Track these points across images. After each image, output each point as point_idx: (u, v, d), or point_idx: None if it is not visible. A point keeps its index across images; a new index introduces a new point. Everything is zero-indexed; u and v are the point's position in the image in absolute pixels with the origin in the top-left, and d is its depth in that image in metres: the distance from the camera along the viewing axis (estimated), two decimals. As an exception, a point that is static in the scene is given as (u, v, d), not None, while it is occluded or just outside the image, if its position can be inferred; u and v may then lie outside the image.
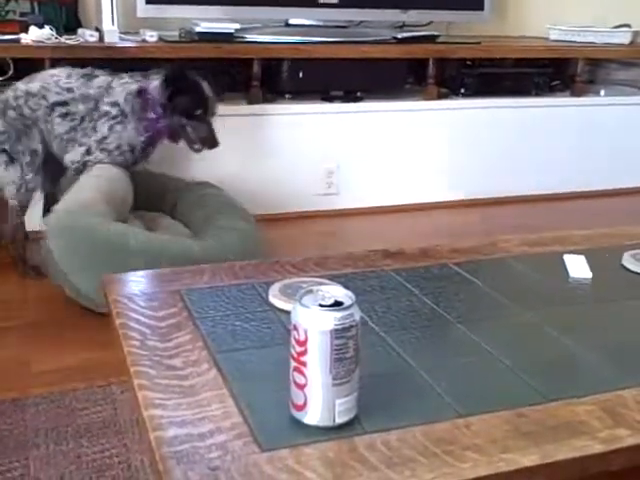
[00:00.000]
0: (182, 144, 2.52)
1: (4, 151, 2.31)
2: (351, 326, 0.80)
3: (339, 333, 0.79)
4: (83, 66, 2.70)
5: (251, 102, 3.02)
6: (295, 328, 0.81)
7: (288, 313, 1.08)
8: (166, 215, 2.54)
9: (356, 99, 3.18)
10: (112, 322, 1.09)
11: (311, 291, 0.83)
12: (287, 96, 3.15)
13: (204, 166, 2.82)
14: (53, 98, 2.35)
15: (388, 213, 3.19)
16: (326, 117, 3.10)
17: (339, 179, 3.15)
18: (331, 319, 0.79)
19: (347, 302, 0.81)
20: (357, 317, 0.81)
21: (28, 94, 2.34)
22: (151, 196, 2.54)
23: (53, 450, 1.57)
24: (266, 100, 3.05)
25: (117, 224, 2.18)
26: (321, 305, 0.80)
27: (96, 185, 2.32)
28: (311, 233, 2.96)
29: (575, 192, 3.48)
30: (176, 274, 1.24)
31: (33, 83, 2.37)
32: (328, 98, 3.17)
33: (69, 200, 2.22)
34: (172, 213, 2.56)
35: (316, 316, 0.80)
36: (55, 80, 2.39)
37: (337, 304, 0.81)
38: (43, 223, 2.20)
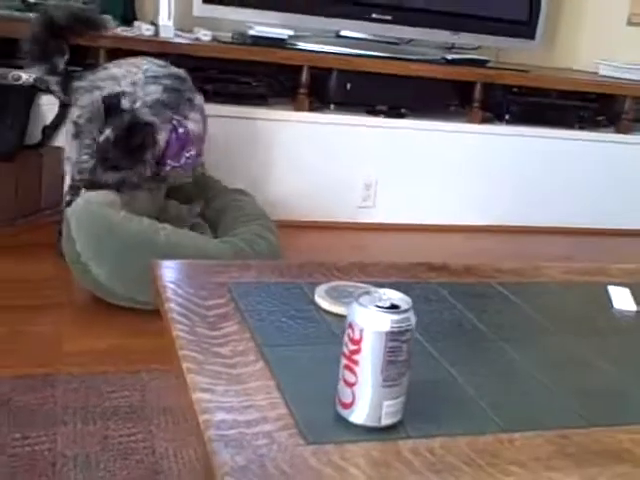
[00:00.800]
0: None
1: (76, 123, 2.30)
2: (406, 330, 0.81)
3: (394, 335, 0.80)
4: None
5: (297, 109, 3.04)
6: (350, 327, 0.82)
7: (333, 314, 1.11)
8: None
9: (400, 115, 3.20)
10: (160, 307, 1.10)
11: (368, 292, 0.84)
12: (332, 106, 3.17)
13: (243, 169, 2.85)
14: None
15: (421, 231, 3.20)
16: (369, 130, 3.12)
17: (376, 193, 3.17)
18: (388, 321, 0.80)
19: (404, 306, 0.82)
20: (413, 322, 0.82)
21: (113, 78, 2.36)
22: (187, 191, 2.56)
23: (80, 429, 1.59)
24: (312, 109, 3.07)
25: (145, 219, 2.20)
26: (378, 306, 0.81)
27: None
28: (343, 244, 2.97)
29: (611, 229, 3.47)
30: (223, 267, 1.25)
31: (119, 68, 2.39)
32: (372, 112, 3.18)
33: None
34: (202, 213, 2.58)
35: (373, 316, 0.80)
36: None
37: (393, 307, 0.82)
38: (68, 210, 2.22)
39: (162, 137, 2.26)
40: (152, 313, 2.09)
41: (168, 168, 2.31)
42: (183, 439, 1.62)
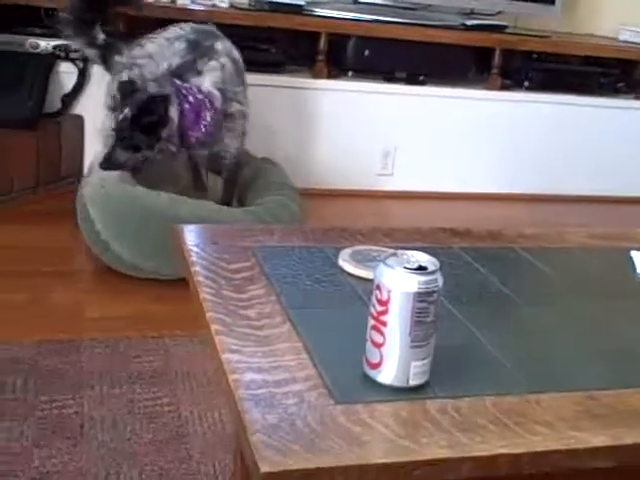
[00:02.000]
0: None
1: (114, 97, 2.29)
2: (434, 291, 0.82)
3: (422, 296, 0.81)
4: (153, 26, 2.74)
5: (315, 76, 3.03)
6: (378, 288, 0.83)
7: (357, 278, 1.11)
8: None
9: (419, 82, 3.18)
10: (186, 270, 1.11)
11: (395, 254, 0.85)
12: (350, 73, 3.15)
13: (261, 137, 2.84)
14: None
15: (440, 199, 3.20)
16: (388, 97, 3.11)
17: (395, 161, 3.16)
18: (415, 282, 0.81)
19: (431, 267, 0.82)
20: (440, 283, 0.82)
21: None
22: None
23: (107, 392, 1.62)
24: (330, 76, 3.06)
25: (162, 193, 2.21)
26: (405, 267, 0.82)
27: None
28: (363, 212, 2.97)
29: (634, 196, 3.44)
30: (247, 231, 1.26)
31: (153, 44, 2.36)
32: (391, 79, 3.16)
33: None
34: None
35: (400, 277, 0.81)
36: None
37: (420, 268, 0.82)
38: (84, 193, 2.20)
39: (173, 110, 2.20)
40: (173, 281, 2.13)
41: (193, 140, 2.26)
42: (207, 402, 1.65)
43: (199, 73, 2.27)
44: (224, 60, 2.32)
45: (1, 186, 2.58)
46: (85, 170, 2.40)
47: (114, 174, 2.21)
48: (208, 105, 2.23)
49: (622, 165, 3.43)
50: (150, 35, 2.37)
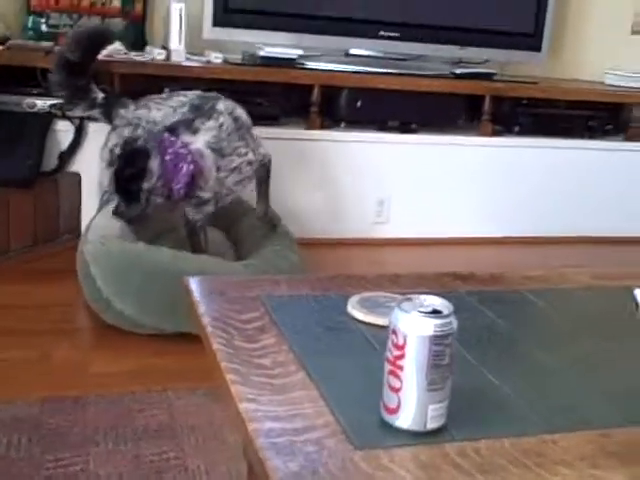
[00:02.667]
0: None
1: (111, 152, 2.26)
2: (449, 334, 0.82)
3: (438, 339, 0.82)
4: (148, 84, 2.79)
5: (309, 127, 3.07)
6: (394, 332, 0.84)
7: (367, 324, 1.12)
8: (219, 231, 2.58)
9: (411, 131, 3.22)
10: (196, 321, 1.11)
11: (410, 298, 0.86)
12: (343, 124, 3.20)
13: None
14: None
15: (436, 245, 3.21)
16: (381, 147, 3.15)
17: (390, 208, 3.19)
18: (431, 325, 0.81)
19: (446, 310, 0.83)
20: (455, 325, 0.83)
21: None
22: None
23: (112, 449, 1.60)
24: (323, 127, 3.10)
25: (164, 248, 2.22)
26: (420, 311, 0.83)
27: None
28: (360, 260, 2.99)
29: (624, 237, 3.47)
30: (255, 281, 1.27)
31: (159, 110, 2.36)
32: (384, 128, 3.21)
33: (104, 224, 2.25)
34: (227, 231, 2.60)
35: (416, 321, 0.82)
36: None
37: (435, 312, 0.83)
38: (84, 250, 2.21)
39: (155, 163, 2.17)
40: (174, 335, 2.13)
41: (175, 192, 2.21)
42: (214, 456, 1.63)
43: (194, 132, 2.27)
44: (223, 119, 2.32)
45: (-2, 245, 2.59)
46: (83, 228, 2.40)
47: (114, 231, 2.22)
48: (189, 159, 2.20)
49: (614, 205, 3.47)
50: (156, 97, 2.39)
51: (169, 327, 2.13)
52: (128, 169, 2.15)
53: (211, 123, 2.29)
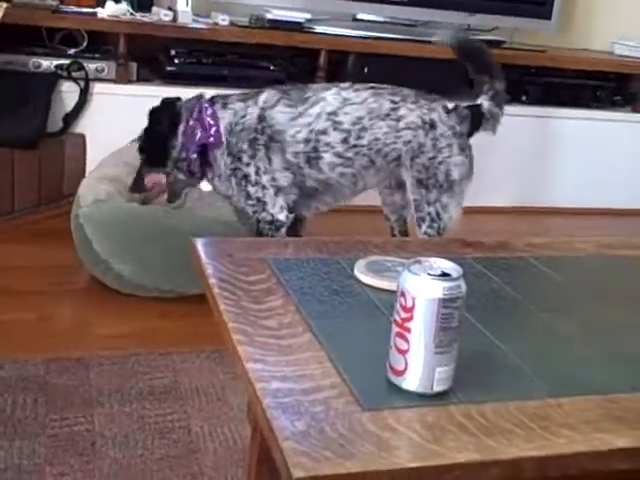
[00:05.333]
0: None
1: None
2: (458, 297, 0.82)
3: (446, 302, 0.82)
4: (154, 45, 2.76)
5: (315, 92, 3.04)
6: (402, 294, 0.83)
7: (373, 288, 1.12)
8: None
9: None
10: (204, 283, 1.12)
11: (419, 261, 0.86)
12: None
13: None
14: None
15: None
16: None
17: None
18: (440, 288, 0.81)
19: (455, 274, 0.83)
20: (464, 289, 0.83)
21: None
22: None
23: (117, 410, 1.62)
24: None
25: (159, 208, 2.22)
26: (429, 274, 0.83)
27: (117, 161, 2.38)
28: (366, 227, 2.97)
29: (632, 209, 3.46)
30: (261, 243, 1.27)
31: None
32: (390, 95, 3.18)
33: (97, 188, 2.24)
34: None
35: (425, 284, 0.82)
36: None
37: (444, 275, 0.83)
38: (79, 214, 2.18)
39: (180, 127, 2.11)
40: (177, 298, 2.14)
41: (192, 166, 2.13)
42: (217, 418, 1.64)
43: (224, 105, 2.13)
44: (253, 110, 2.09)
45: (3, 205, 2.58)
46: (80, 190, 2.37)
47: (105, 194, 2.20)
48: (207, 124, 2.09)
49: (621, 177, 3.45)
50: None
51: (169, 286, 2.13)
52: (158, 127, 2.11)
53: (238, 105, 2.11)
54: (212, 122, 2.09)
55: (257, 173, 2.07)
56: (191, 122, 2.11)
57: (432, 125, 2.14)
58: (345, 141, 2.09)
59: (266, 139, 2.07)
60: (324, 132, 2.08)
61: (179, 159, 2.13)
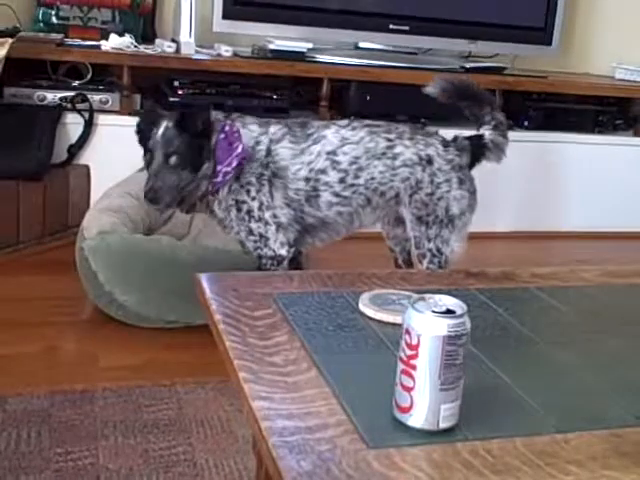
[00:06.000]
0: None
1: None
2: (462, 334, 0.82)
3: (451, 340, 0.82)
4: (157, 77, 2.78)
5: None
6: (407, 332, 0.84)
7: (378, 322, 1.12)
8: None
9: (420, 125, 3.21)
10: (209, 318, 1.12)
11: (423, 298, 0.86)
12: (352, 118, 3.18)
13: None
14: None
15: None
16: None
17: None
18: (444, 325, 0.82)
19: (459, 311, 0.83)
20: (468, 326, 0.83)
21: None
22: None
23: (121, 443, 1.61)
24: (333, 120, 3.09)
25: (163, 237, 2.22)
26: (434, 311, 0.83)
27: (122, 192, 2.38)
28: (367, 254, 2.97)
29: (633, 232, 3.46)
30: (266, 277, 1.27)
31: None
32: (393, 122, 3.20)
33: (101, 219, 2.23)
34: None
35: (430, 321, 0.82)
36: None
37: (448, 312, 0.83)
38: (84, 246, 2.16)
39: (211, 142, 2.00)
40: (181, 329, 2.14)
41: (222, 177, 2.00)
42: (222, 450, 1.64)
43: (243, 125, 2.06)
44: (264, 140, 2.05)
45: (8, 237, 2.59)
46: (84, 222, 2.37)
47: (109, 225, 2.20)
48: (236, 139, 1.99)
49: (624, 200, 3.45)
50: None
51: (173, 317, 2.14)
52: (195, 133, 1.98)
53: (254, 127, 2.08)
54: (239, 137, 2.01)
55: (260, 208, 2.05)
56: (221, 135, 2.00)
57: (429, 160, 2.13)
58: (342, 181, 2.08)
59: (270, 174, 2.05)
60: (323, 171, 2.07)
61: (206, 174, 2.01)
